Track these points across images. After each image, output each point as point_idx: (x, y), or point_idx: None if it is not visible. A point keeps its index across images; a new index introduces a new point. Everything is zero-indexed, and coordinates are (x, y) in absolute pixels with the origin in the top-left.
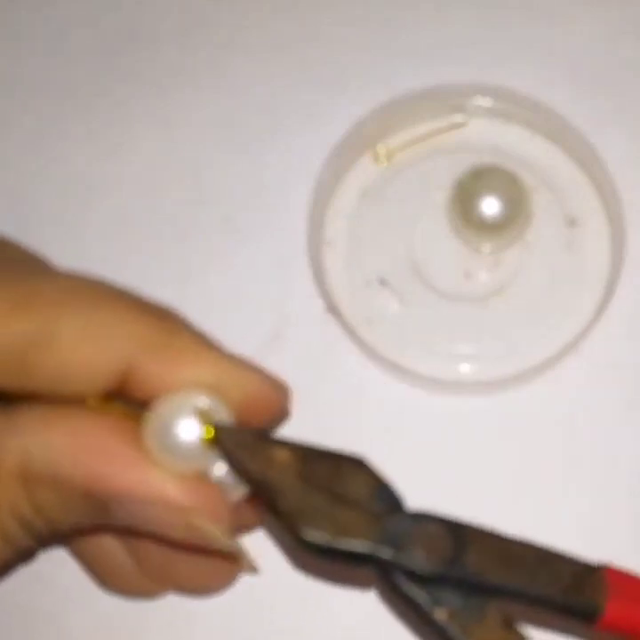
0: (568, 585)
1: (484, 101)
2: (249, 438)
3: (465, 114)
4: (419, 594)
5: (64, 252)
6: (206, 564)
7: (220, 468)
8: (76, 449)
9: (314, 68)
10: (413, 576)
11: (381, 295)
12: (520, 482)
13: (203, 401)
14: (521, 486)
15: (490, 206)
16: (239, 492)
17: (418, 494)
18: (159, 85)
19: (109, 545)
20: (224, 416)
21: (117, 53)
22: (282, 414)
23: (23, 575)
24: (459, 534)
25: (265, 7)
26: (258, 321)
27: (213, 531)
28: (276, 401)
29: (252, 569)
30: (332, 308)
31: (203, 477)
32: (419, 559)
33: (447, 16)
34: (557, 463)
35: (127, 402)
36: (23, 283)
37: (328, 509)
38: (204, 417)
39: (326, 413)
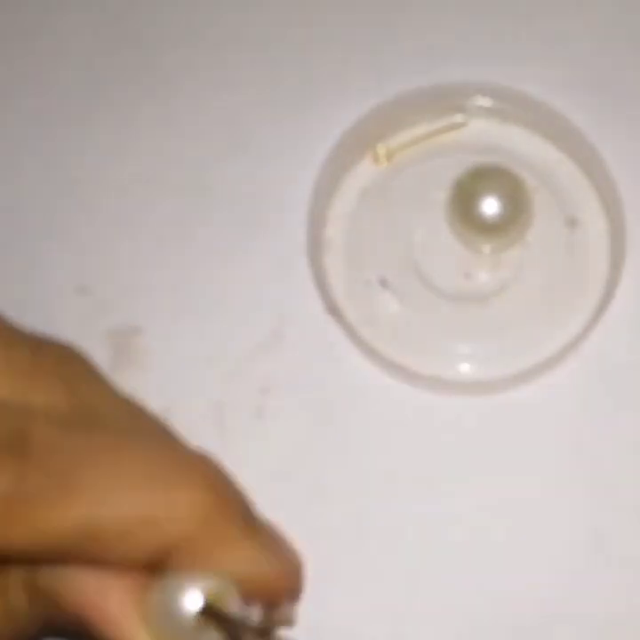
0: None
1: (483, 101)
2: (249, 630)
3: (465, 114)
4: None
5: (64, 253)
6: None
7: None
8: (83, 577)
9: (314, 67)
10: None
11: (381, 295)
12: (520, 482)
13: (213, 583)
14: (521, 486)
15: (490, 206)
16: None
17: (418, 494)
18: (159, 86)
19: None
20: (230, 602)
21: (117, 53)
22: (296, 597)
23: None
24: None
25: (265, 7)
26: (258, 321)
27: None
28: (292, 589)
29: None
30: (332, 309)
31: None
32: None
33: (447, 16)
34: (557, 463)
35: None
36: (67, 465)
37: None
38: (211, 600)
39: (326, 413)
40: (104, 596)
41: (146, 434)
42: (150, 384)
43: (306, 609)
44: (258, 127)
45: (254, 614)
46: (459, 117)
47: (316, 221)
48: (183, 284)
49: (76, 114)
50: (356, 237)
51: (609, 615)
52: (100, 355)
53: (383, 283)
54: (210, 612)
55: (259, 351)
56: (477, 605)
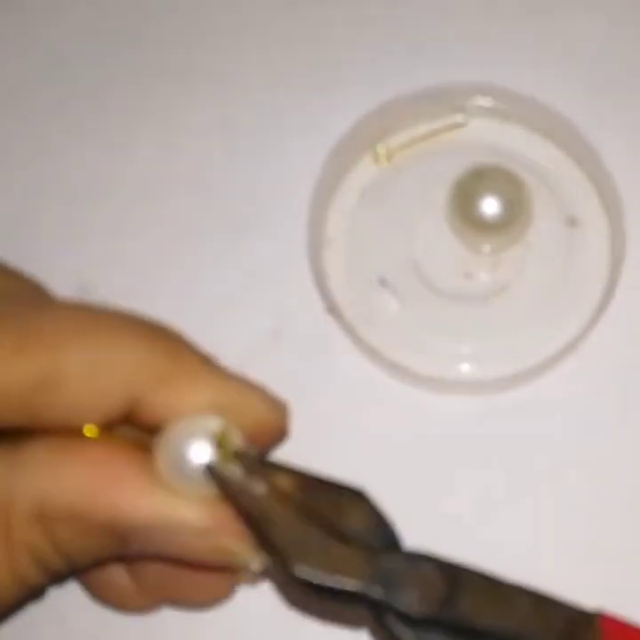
0: (561, 631)
1: (484, 101)
2: (254, 463)
3: (465, 114)
4: (409, 635)
5: (64, 253)
6: (205, 579)
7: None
8: (92, 483)
9: (314, 68)
10: (404, 617)
11: (381, 295)
12: (520, 482)
13: (215, 423)
14: (521, 486)
15: (490, 206)
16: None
17: (418, 494)
18: (159, 86)
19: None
20: (236, 438)
21: (117, 56)
22: (283, 435)
23: None
24: (452, 576)
25: (265, 7)
26: (258, 321)
27: (241, 549)
28: (281, 422)
29: (254, 579)
30: (332, 308)
31: (218, 499)
32: (410, 600)
33: (447, 16)
34: (557, 463)
35: (131, 428)
36: (24, 321)
37: (322, 545)
38: (219, 439)
39: (326, 413)
40: (117, 487)
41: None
42: None
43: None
44: (258, 127)
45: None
46: (459, 117)
47: (316, 221)
48: (183, 284)
49: (77, 114)
50: (356, 237)
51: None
52: None
53: (383, 282)
54: (222, 449)
55: (259, 351)
56: None
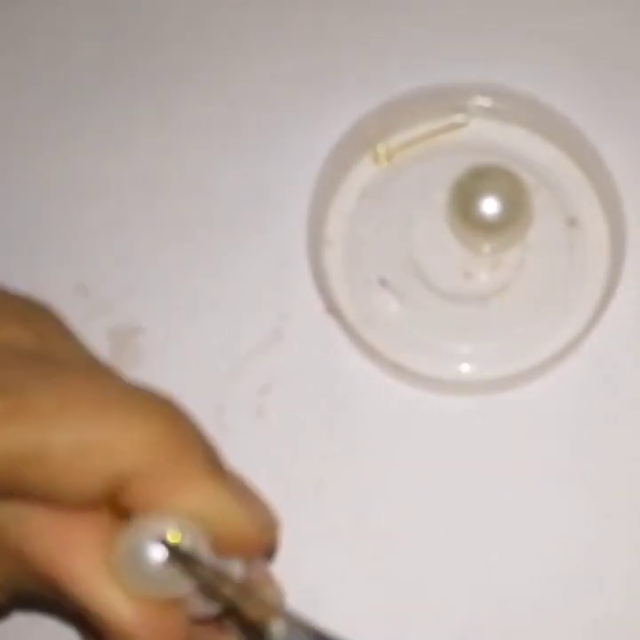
0: None
1: (484, 101)
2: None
3: (465, 114)
4: None
5: (64, 253)
6: None
7: (186, 587)
8: (48, 537)
9: (314, 68)
10: None
11: (381, 295)
12: (520, 481)
13: (175, 529)
14: (521, 486)
15: (490, 206)
16: (213, 609)
17: (418, 494)
18: (159, 85)
19: None
20: (199, 547)
21: (117, 54)
22: (268, 551)
23: None
24: None
25: (265, 7)
26: (258, 321)
27: None
28: (266, 540)
29: None
30: (332, 308)
31: (174, 602)
32: None
33: (447, 16)
34: (557, 463)
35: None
36: (19, 389)
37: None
38: (174, 543)
39: (326, 413)
40: (70, 552)
41: (104, 374)
42: (150, 384)
43: (306, 609)
44: (258, 127)
45: (235, 568)
46: (459, 117)
47: (316, 221)
48: (183, 284)
49: (77, 114)
50: (356, 237)
51: (607, 615)
52: (100, 354)
53: (383, 282)
54: (180, 558)
55: (259, 351)
56: (476, 605)
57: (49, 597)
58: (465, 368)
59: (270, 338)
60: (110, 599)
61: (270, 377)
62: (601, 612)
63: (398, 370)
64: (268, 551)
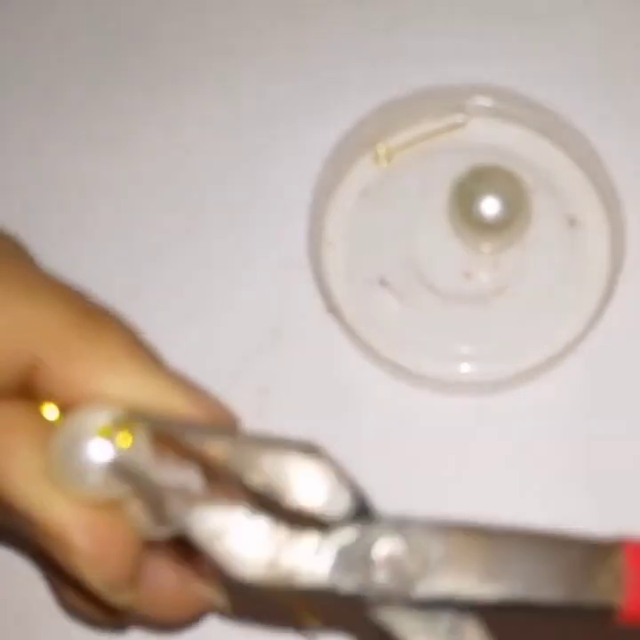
0: (575, 577)
1: (484, 101)
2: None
3: (465, 114)
4: (394, 621)
5: (63, 253)
6: (172, 592)
7: (134, 504)
8: None
9: (314, 68)
10: (385, 602)
11: (381, 295)
12: (520, 481)
13: (115, 417)
14: (521, 486)
15: (490, 206)
16: (162, 531)
17: (418, 494)
18: (159, 86)
19: None
20: (139, 442)
21: (117, 57)
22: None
23: None
24: (430, 542)
25: (265, 8)
26: (258, 321)
27: (119, 582)
28: (220, 421)
29: (227, 609)
30: (332, 308)
31: (116, 506)
32: (386, 583)
33: (447, 16)
34: (558, 463)
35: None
36: None
37: (273, 535)
38: (117, 435)
39: (326, 413)
40: (5, 455)
41: (26, 264)
42: None
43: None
44: (258, 127)
45: (190, 479)
46: (459, 117)
47: (316, 221)
48: (183, 285)
49: (77, 115)
50: (356, 237)
51: None
52: None
53: (383, 283)
54: (119, 464)
55: (259, 351)
56: None
57: None
58: (465, 368)
59: (270, 338)
60: (48, 501)
61: (270, 377)
62: None
63: (398, 370)
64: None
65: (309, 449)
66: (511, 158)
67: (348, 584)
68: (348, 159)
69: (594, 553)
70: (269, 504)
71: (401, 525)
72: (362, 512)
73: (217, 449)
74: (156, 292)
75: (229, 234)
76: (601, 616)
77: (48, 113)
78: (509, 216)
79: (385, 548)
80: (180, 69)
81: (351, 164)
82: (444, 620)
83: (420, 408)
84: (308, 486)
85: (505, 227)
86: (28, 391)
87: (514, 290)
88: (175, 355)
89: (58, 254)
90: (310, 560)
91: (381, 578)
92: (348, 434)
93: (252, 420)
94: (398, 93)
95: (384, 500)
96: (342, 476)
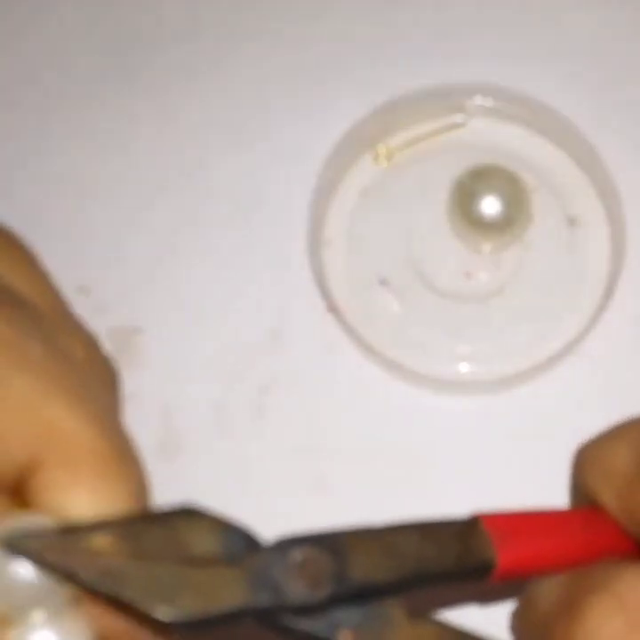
0: (456, 551)
1: (484, 101)
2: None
3: (465, 114)
4: (313, 626)
5: (62, 253)
6: None
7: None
8: None
9: (314, 67)
10: (300, 610)
11: (381, 295)
12: (520, 481)
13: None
14: (521, 486)
15: (490, 206)
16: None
17: (418, 494)
18: (158, 84)
19: None
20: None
21: (117, 53)
22: None
23: None
24: (333, 547)
25: (265, 7)
26: (258, 321)
27: None
28: None
29: None
30: (332, 308)
31: None
32: (300, 591)
33: (447, 16)
34: (558, 463)
35: None
36: None
37: (180, 577)
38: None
39: (326, 413)
40: None
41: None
42: (150, 384)
43: None
44: (258, 127)
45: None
46: (459, 117)
47: (316, 221)
48: (183, 284)
49: (76, 114)
50: (356, 237)
51: None
52: None
53: (383, 283)
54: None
55: (259, 351)
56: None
57: None
58: (464, 368)
59: (270, 338)
60: None
61: (270, 377)
62: None
63: (398, 369)
64: None
65: (188, 508)
66: (511, 158)
67: (264, 600)
68: (347, 159)
69: (463, 528)
70: None
71: (297, 539)
72: (253, 543)
73: (104, 541)
74: (155, 291)
75: (229, 234)
76: (481, 575)
77: (48, 113)
78: (509, 216)
79: (292, 557)
80: (180, 69)
81: (351, 164)
82: (364, 609)
83: (420, 408)
84: (203, 537)
85: (505, 226)
86: None
87: (514, 290)
88: (175, 355)
89: (58, 254)
90: (226, 590)
91: (296, 585)
92: (349, 433)
93: (252, 420)
94: (398, 93)
95: (384, 500)
96: (226, 520)
